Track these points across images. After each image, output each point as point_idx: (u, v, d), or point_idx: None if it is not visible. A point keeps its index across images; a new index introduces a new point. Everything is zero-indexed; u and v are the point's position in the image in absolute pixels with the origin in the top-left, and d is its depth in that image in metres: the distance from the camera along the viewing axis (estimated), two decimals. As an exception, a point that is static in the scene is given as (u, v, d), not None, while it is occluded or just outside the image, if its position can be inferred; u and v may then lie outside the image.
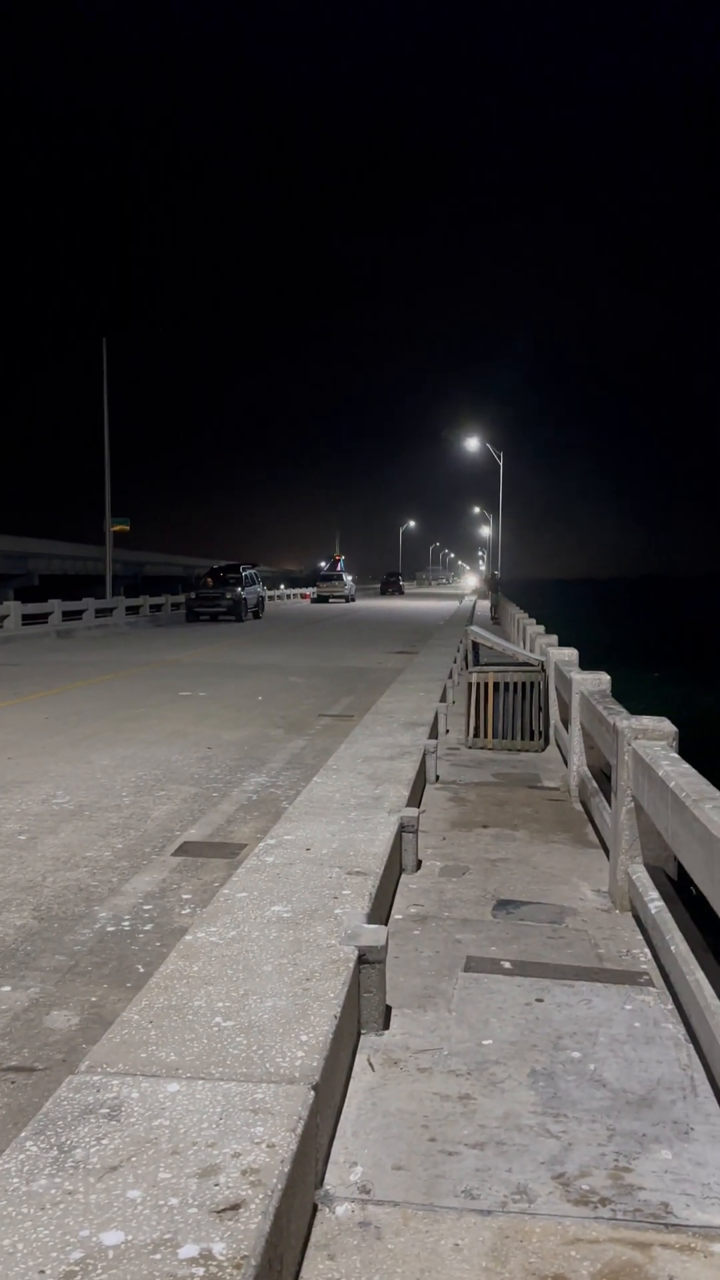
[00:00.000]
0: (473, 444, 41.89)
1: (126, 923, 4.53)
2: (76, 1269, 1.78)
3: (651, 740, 4.34)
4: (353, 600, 54.34)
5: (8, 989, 3.79)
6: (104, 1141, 2.19)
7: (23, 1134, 2.24)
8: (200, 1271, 1.78)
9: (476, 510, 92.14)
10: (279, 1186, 2.03)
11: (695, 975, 3.16)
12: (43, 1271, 1.78)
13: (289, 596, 55.57)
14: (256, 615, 34.29)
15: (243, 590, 32.51)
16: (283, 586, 64.47)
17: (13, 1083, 3.08)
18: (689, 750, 4.31)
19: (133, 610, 31.98)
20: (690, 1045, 3.22)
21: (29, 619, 25.12)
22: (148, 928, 4.46)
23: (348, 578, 56.55)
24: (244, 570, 34.04)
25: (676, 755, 4.04)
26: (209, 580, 33.88)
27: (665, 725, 4.45)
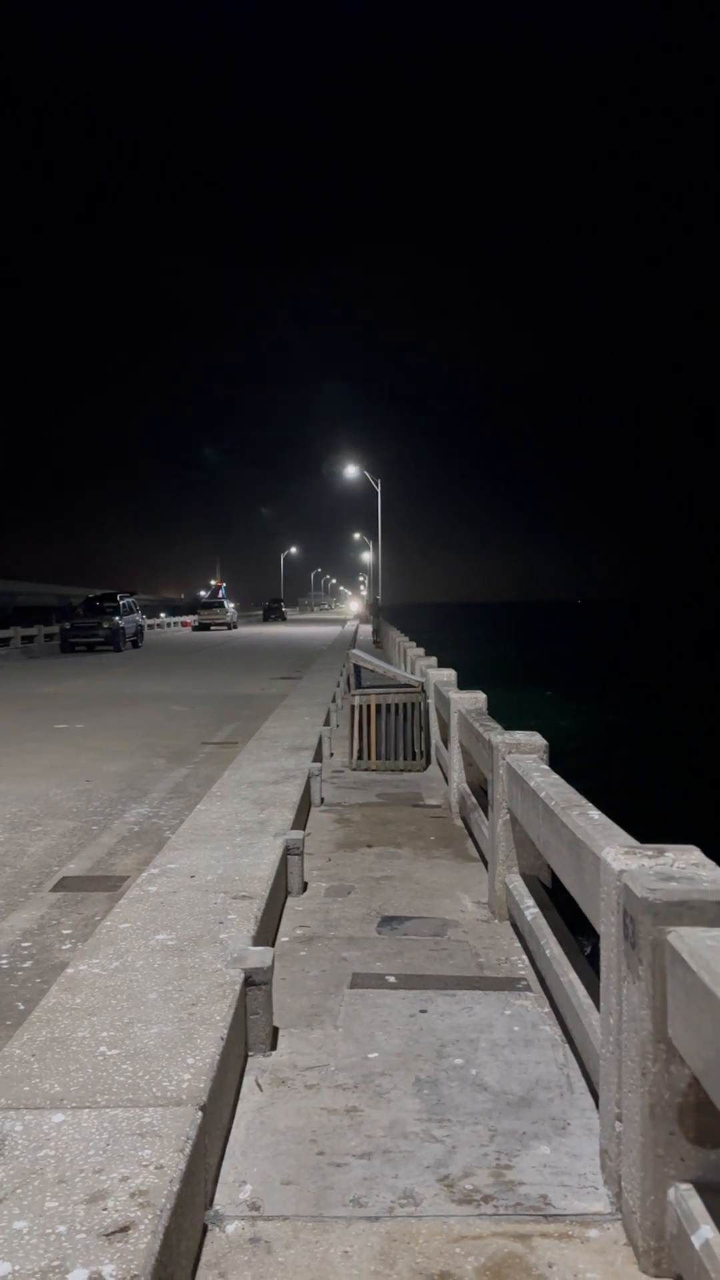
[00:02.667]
0: (352, 472, 42.43)
1: (4, 961, 4.40)
2: (-40, 1306, 1.76)
3: (524, 754, 4.52)
4: (235, 627, 54.03)
5: None
6: (-14, 1177, 2.15)
7: None
8: (89, 1296, 1.78)
9: (357, 536, 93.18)
10: (168, 1206, 2.04)
11: (569, 977, 3.31)
12: None
13: (170, 625, 54.75)
14: (136, 644, 33.67)
15: (120, 619, 31.87)
16: (163, 615, 63.48)
17: None
18: (575, 760, 4.51)
19: (2, 642, 30.92)
20: (566, 1045, 3.37)
21: None
22: (27, 964, 4.35)
23: (230, 605, 56.24)
24: (121, 598, 33.39)
25: (547, 767, 4.22)
26: (84, 609, 33.09)
27: (536, 739, 4.64)
